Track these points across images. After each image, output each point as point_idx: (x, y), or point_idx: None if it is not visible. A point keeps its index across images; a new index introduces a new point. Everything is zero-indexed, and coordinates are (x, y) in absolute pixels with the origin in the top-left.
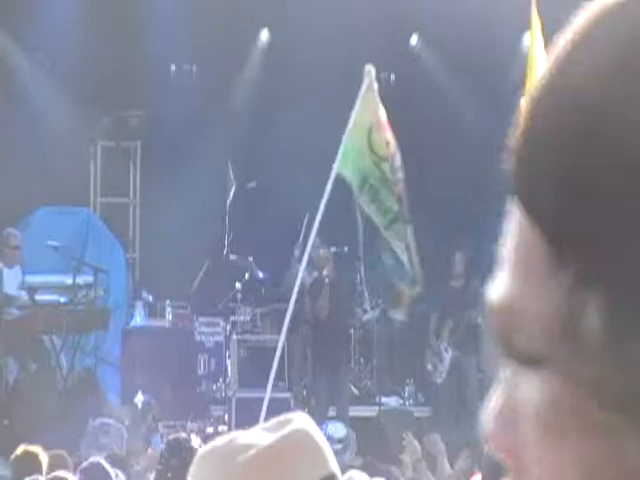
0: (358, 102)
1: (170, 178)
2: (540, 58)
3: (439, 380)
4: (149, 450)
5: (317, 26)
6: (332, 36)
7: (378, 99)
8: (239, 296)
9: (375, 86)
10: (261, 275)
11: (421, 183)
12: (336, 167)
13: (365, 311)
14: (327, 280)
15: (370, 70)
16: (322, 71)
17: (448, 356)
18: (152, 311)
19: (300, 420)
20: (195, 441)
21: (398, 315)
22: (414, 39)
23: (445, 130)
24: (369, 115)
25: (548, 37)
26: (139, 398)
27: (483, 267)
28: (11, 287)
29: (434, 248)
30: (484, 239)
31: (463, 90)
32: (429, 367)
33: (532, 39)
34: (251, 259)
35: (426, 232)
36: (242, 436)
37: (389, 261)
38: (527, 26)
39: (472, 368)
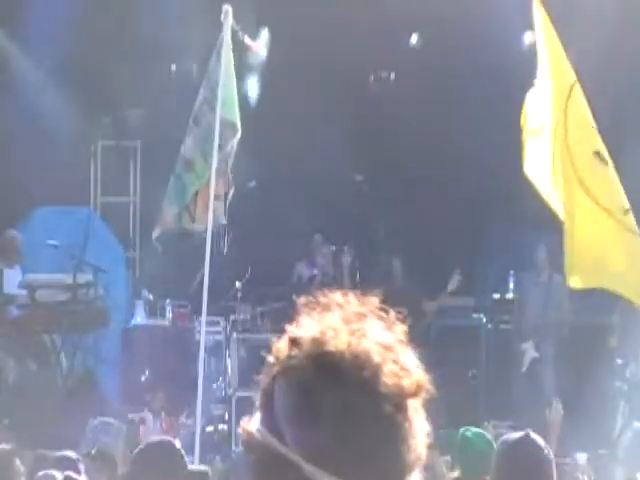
0: (224, 46)
1: (170, 177)
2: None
3: None
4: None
5: (317, 25)
6: (332, 35)
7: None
8: (239, 295)
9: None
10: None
11: (419, 182)
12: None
13: None
14: (326, 277)
15: (228, 10)
16: (322, 70)
17: None
18: (152, 310)
19: None
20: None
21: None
22: (414, 39)
23: (444, 129)
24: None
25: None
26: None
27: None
28: (11, 287)
29: (433, 263)
30: (482, 253)
31: (463, 89)
32: None
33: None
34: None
35: (422, 243)
36: None
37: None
38: (527, 26)
39: None
